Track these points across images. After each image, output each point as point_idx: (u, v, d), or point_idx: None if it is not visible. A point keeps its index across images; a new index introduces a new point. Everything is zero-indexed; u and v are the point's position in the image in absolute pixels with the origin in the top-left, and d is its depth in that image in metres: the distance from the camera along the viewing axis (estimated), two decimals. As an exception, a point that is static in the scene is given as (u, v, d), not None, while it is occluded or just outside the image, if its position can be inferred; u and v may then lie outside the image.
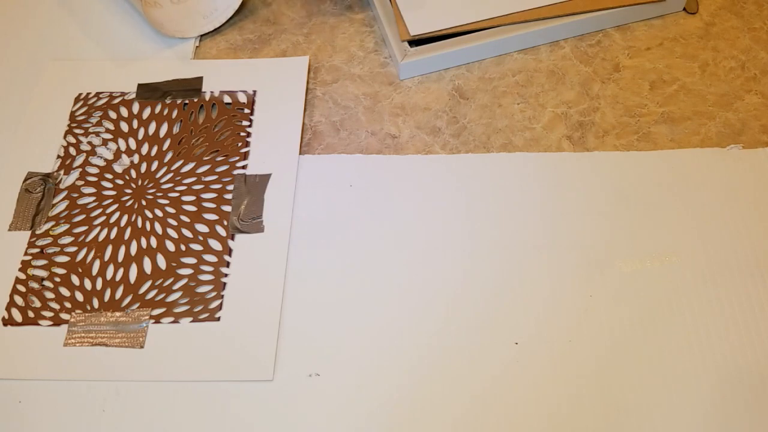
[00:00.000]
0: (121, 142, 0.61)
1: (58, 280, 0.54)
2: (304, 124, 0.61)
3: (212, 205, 0.57)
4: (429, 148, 0.60)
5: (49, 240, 0.56)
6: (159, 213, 0.57)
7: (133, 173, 0.59)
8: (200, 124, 0.61)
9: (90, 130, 0.61)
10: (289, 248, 0.55)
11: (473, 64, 0.65)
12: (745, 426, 0.48)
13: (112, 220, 0.57)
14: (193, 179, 0.59)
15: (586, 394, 0.49)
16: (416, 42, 0.64)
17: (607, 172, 0.58)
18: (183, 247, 0.55)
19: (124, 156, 0.59)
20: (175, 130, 0.61)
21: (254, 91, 0.63)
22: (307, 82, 0.64)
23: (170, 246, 0.55)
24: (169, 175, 0.59)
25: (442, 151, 0.60)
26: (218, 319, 0.52)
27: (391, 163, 0.59)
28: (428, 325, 0.52)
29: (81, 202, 0.58)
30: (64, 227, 0.57)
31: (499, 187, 0.58)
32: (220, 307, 0.53)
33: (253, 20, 0.68)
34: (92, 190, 0.58)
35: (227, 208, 0.57)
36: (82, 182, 0.59)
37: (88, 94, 0.63)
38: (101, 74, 0.62)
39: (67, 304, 0.53)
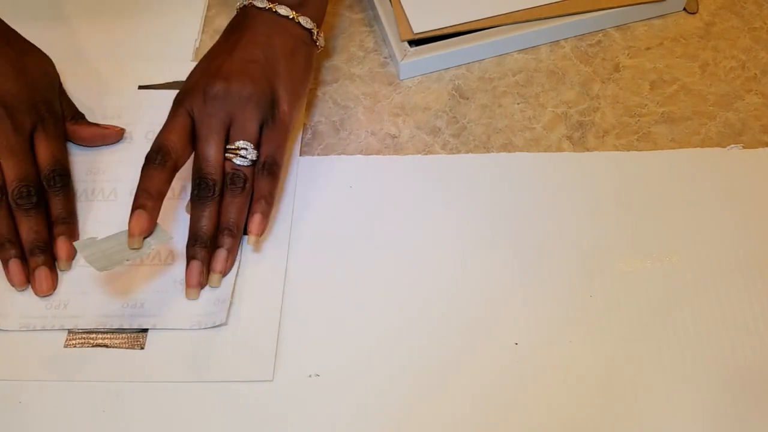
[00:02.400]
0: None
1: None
2: (303, 124, 0.61)
3: (212, 206, 0.57)
4: (429, 148, 0.60)
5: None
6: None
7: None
8: (200, 124, 0.61)
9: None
10: (289, 249, 0.55)
11: (473, 64, 0.65)
12: (745, 426, 0.48)
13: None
14: (193, 180, 0.59)
15: (586, 395, 0.49)
16: (416, 42, 0.64)
17: (607, 172, 0.58)
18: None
19: None
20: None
21: (254, 92, 0.63)
22: (307, 83, 0.64)
23: (170, 247, 0.56)
24: None
25: (442, 151, 0.60)
26: (218, 319, 0.52)
27: (391, 163, 0.59)
28: (428, 325, 0.52)
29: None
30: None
31: (499, 187, 0.58)
32: (220, 307, 0.53)
33: (253, 20, 0.68)
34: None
35: (227, 209, 0.57)
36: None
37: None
38: (101, 76, 0.61)
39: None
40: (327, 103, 0.63)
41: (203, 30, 0.68)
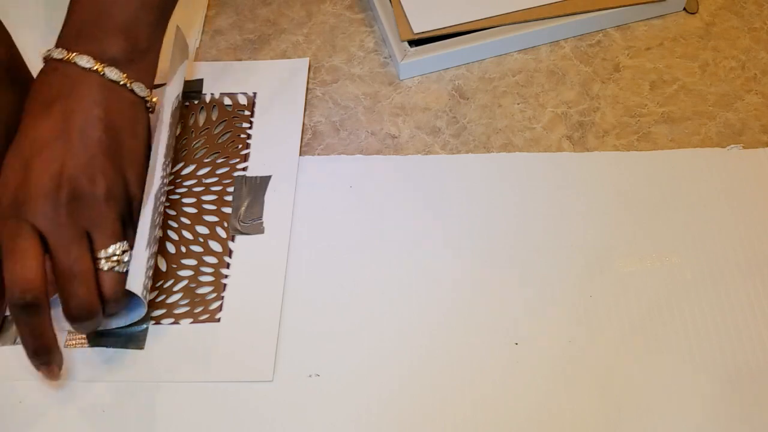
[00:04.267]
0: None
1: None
2: (303, 124, 0.61)
3: (212, 207, 0.57)
4: (429, 148, 0.60)
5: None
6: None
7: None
8: (201, 126, 0.61)
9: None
10: (289, 249, 0.55)
11: (473, 64, 0.65)
12: (745, 426, 0.48)
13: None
14: (194, 181, 0.58)
15: (586, 395, 0.49)
16: (416, 42, 0.64)
17: (607, 172, 0.58)
18: (183, 249, 0.55)
19: None
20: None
21: (254, 93, 0.63)
22: (307, 83, 0.64)
23: (170, 248, 0.55)
24: (170, 178, 0.58)
25: (442, 151, 0.60)
26: (218, 320, 0.52)
27: (391, 163, 0.59)
28: (428, 326, 0.52)
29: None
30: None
31: (499, 187, 0.58)
32: (220, 308, 0.53)
33: (253, 20, 0.68)
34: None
35: (227, 210, 0.57)
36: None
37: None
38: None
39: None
40: (327, 103, 0.63)
41: (203, 30, 0.68)
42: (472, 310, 0.52)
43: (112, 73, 0.50)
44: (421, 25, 0.63)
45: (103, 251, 0.47)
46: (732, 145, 0.59)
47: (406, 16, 0.64)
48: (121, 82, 0.50)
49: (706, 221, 0.56)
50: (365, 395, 0.49)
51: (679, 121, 0.61)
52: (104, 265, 0.47)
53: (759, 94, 0.62)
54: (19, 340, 0.51)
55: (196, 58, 0.66)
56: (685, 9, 0.67)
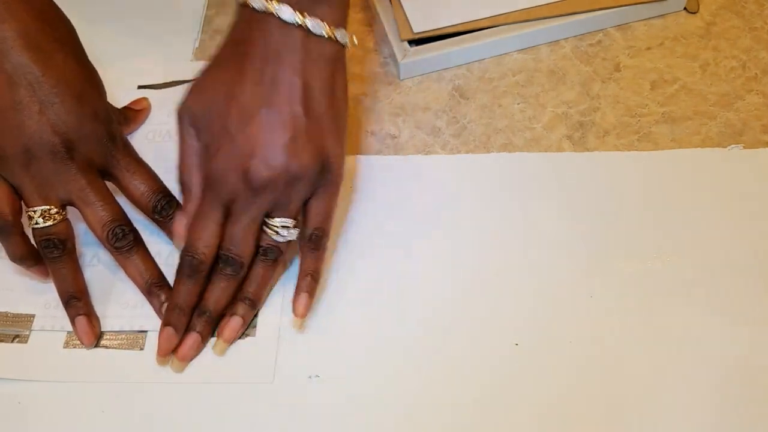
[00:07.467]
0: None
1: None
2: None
3: (212, 206, 0.57)
4: (429, 148, 0.60)
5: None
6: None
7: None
8: (200, 124, 0.61)
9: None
10: (289, 249, 0.55)
11: (473, 64, 0.65)
12: (745, 426, 0.48)
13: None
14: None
15: (586, 395, 0.49)
16: (416, 42, 0.63)
17: (608, 172, 0.58)
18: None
19: None
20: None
21: (253, 93, 0.63)
22: (307, 83, 0.64)
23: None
24: None
25: (442, 151, 0.60)
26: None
27: (390, 163, 0.59)
28: (428, 326, 0.52)
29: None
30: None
31: (499, 187, 0.58)
32: (220, 308, 0.53)
33: (253, 20, 0.68)
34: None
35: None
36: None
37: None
38: (100, 76, 0.61)
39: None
40: (327, 103, 0.63)
41: (203, 30, 0.68)
42: (472, 310, 0.52)
43: (315, 27, 0.45)
44: (421, 25, 0.63)
45: (270, 219, 0.49)
46: (733, 145, 0.59)
47: (406, 15, 0.64)
48: (326, 35, 0.45)
49: (706, 221, 0.55)
50: (365, 395, 0.49)
51: (680, 121, 0.61)
52: (265, 228, 0.49)
53: (760, 93, 0.62)
54: (18, 339, 0.52)
55: (195, 58, 0.66)
56: (685, 8, 0.67)
